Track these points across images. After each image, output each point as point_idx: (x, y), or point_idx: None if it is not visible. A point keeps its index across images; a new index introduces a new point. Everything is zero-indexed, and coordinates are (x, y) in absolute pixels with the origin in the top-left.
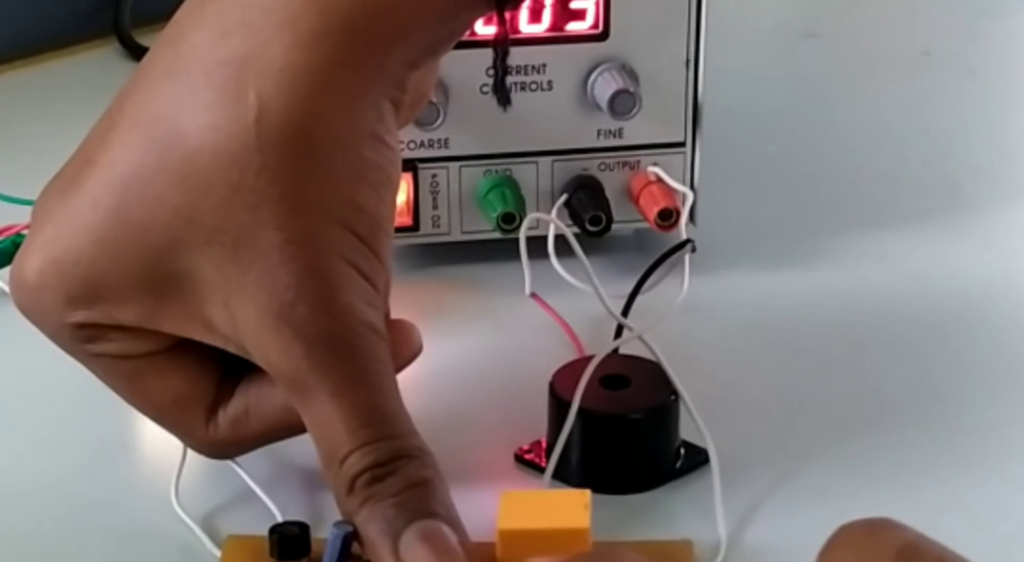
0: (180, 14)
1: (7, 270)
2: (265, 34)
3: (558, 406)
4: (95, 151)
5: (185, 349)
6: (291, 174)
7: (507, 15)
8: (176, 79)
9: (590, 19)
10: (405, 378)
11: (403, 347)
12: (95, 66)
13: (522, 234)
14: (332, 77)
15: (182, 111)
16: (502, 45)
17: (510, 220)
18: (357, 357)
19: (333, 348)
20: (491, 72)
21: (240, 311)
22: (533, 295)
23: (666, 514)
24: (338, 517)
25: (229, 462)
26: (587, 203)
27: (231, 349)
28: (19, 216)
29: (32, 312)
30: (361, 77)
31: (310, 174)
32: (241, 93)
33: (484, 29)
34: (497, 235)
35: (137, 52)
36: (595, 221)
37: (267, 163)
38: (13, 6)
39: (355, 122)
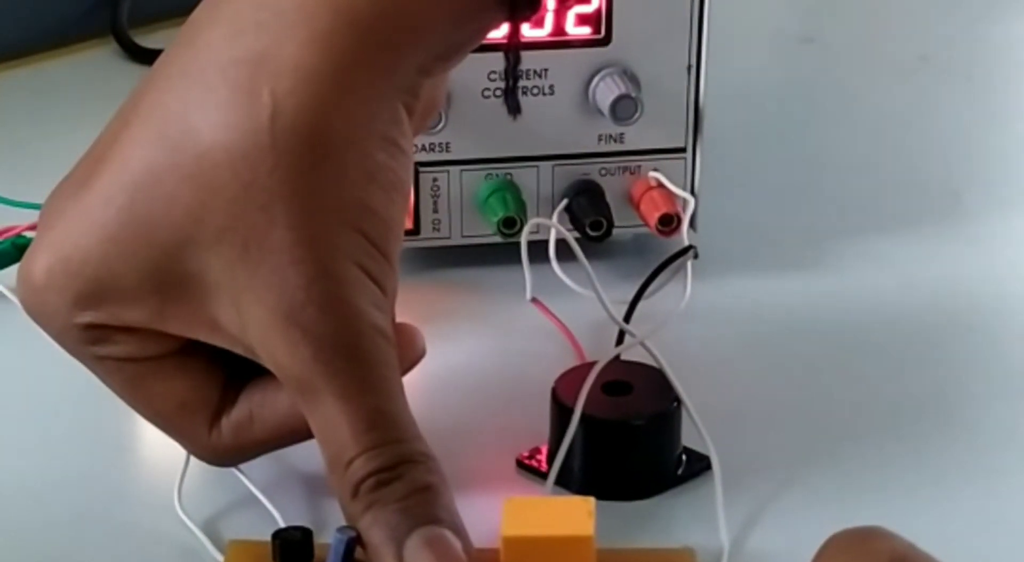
0: (196, 14)
1: (7, 272)
2: (280, 33)
3: (560, 412)
4: (107, 150)
5: (190, 354)
6: (304, 174)
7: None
8: (190, 78)
9: (592, 24)
10: (406, 383)
11: (406, 351)
12: (93, 66)
13: (523, 238)
14: (346, 77)
15: (195, 109)
16: (514, 51)
17: (511, 224)
18: (365, 360)
19: (341, 351)
20: (493, 76)
21: (248, 311)
22: (534, 300)
23: (668, 521)
24: (341, 522)
25: (232, 467)
26: (588, 208)
27: (238, 350)
28: (18, 218)
29: (38, 312)
30: (375, 78)
31: (322, 174)
32: (255, 92)
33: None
34: (498, 239)
35: (135, 52)
36: (596, 226)
37: (280, 162)
38: (10, 6)
39: (368, 124)
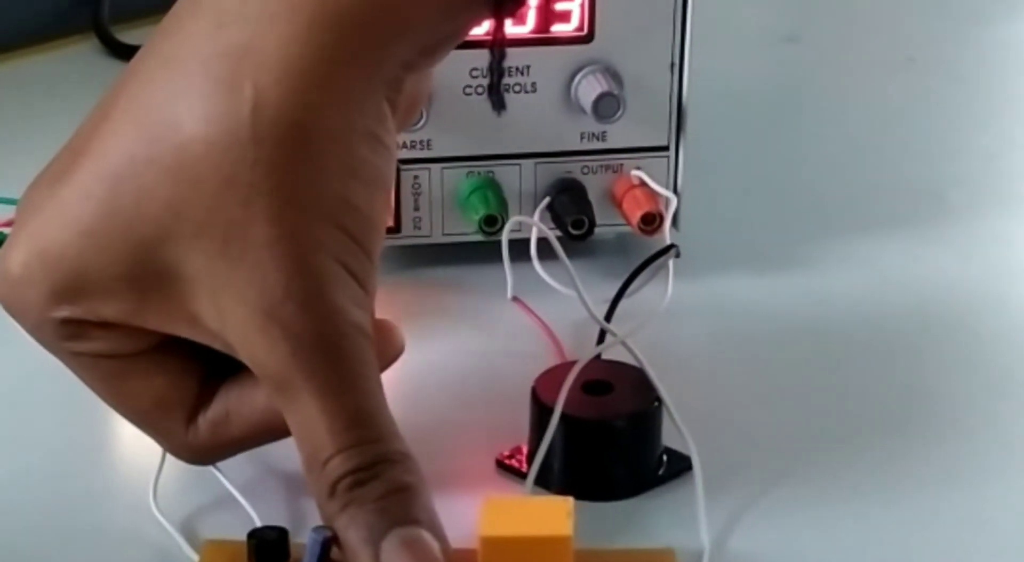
0: (177, 6)
1: None
2: (263, 26)
3: (540, 412)
4: (87, 142)
5: (168, 351)
6: (285, 168)
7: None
8: (172, 69)
9: (575, 21)
10: (384, 381)
11: (385, 348)
12: (74, 63)
13: (504, 237)
14: (330, 71)
15: (176, 101)
16: (499, 47)
17: (492, 222)
18: (343, 358)
19: (320, 349)
20: (475, 73)
21: (227, 307)
22: (515, 299)
23: (648, 521)
24: (318, 522)
25: (209, 465)
26: (570, 206)
27: (216, 346)
28: None
29: (14, 306)
30: (359, 72)
31: (304, 169)
32: (237, 84)
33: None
34: (479, 237)
35: (117, 48)
36: (578, 224)
37: (261, 156)
38: None
39: (351, 118)
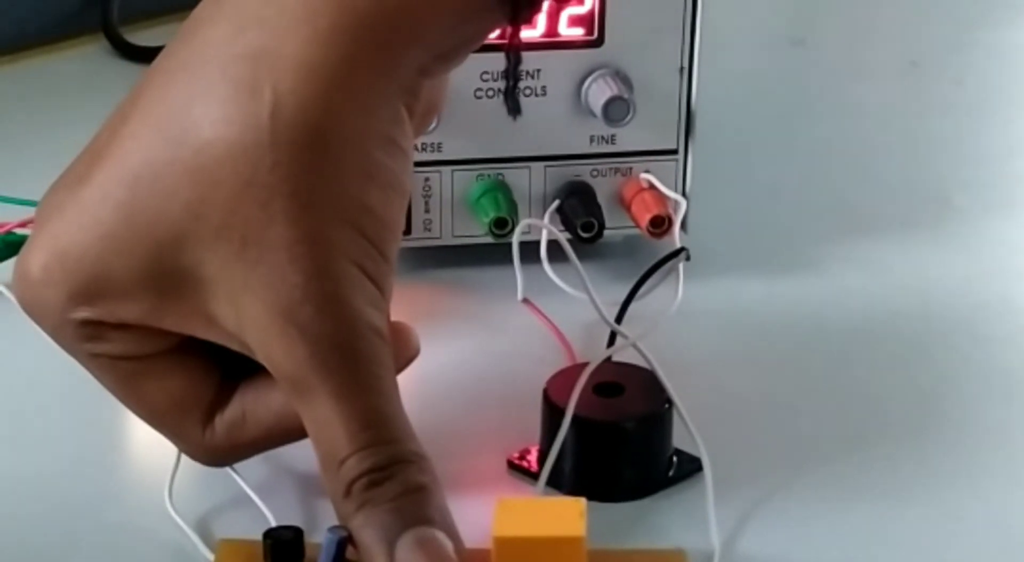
0: (198, 10)
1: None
2: (282, 29)
3: (551, 413)
4: (106, 145)
5: (185, 352)
6: (304, 171)
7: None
8: (191, 73)
9: (585, 25)
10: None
11: (401, 350)
12: (83, 64)
13: (515, 239)
14: (348, 76)
15: (196, 104)
16: (515, 52)
17: (502, 225)
18: (360, 360)
19: (337, 350)
20: (485, 76)
21: (245, 308)
22: (525, 300)
23: (659, 523)
24: (334, 522)
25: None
26: (579, 209)
27: (234, 346)
28: (9, 214)
29: (34, 308)
30: (377, 77)
31: (322, 172)
32: (257, 88)
33: None
34: (489, 240)
35: (126, 49)
36: (587, 227)
37: (280, 159)
38: (1, 4)
39: (368, 122)
